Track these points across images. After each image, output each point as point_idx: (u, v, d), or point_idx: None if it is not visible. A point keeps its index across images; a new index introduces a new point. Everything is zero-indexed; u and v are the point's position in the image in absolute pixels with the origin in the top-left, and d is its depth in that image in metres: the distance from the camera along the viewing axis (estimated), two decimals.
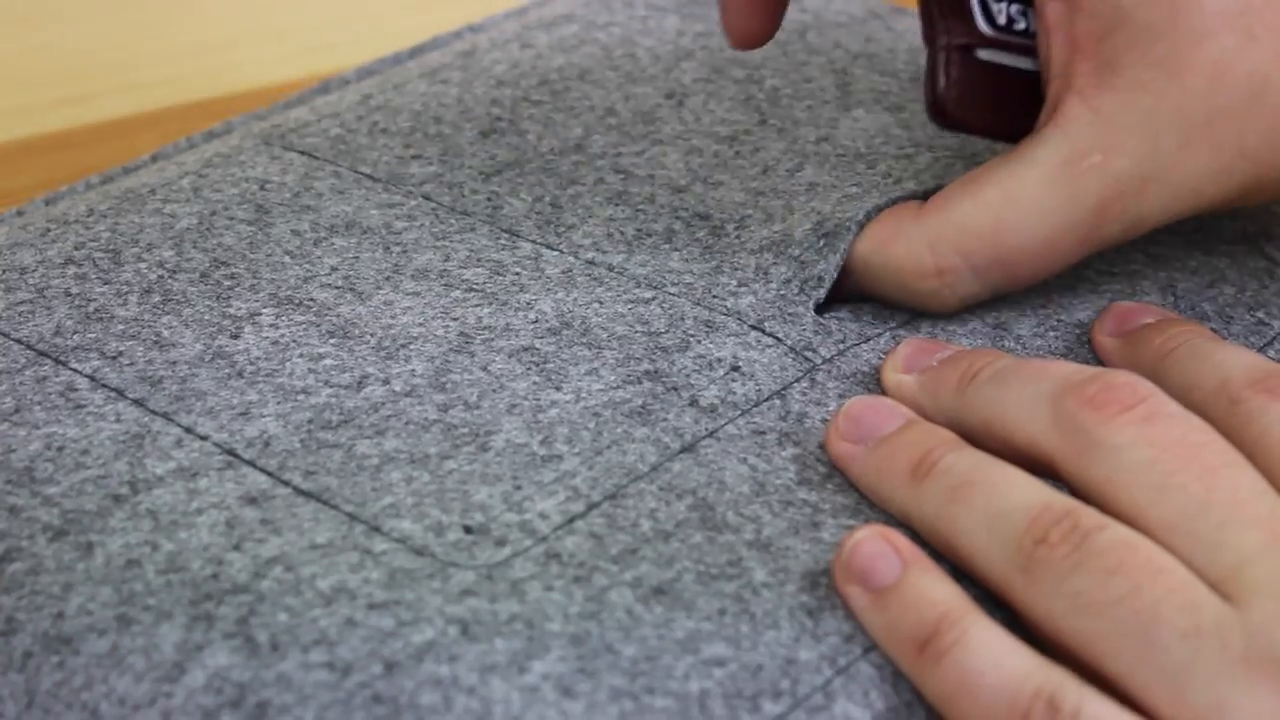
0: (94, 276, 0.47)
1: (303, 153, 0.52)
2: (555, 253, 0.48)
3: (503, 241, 0.48)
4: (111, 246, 0.48)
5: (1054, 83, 0.45)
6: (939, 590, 0.38)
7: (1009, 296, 0.47)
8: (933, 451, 0.40)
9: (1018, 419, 0.40)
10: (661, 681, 0.36)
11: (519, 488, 0.41)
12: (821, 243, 0.47)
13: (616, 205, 0.50)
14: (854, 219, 0.47)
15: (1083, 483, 0.39)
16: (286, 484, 0.41)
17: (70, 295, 0.46)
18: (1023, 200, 0.44)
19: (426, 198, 0.50)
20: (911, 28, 0.61)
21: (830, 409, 0.43)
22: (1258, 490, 0.37)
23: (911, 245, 0.45)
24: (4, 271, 0.47)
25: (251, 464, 0.41)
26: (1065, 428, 0.39)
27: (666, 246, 0.48)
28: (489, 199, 0.50)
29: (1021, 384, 0.41)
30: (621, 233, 0.49)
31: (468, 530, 0.39)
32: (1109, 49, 0.44)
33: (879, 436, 0.41)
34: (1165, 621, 0.35)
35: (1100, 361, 0.46)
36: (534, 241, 0.48)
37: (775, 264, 0.47)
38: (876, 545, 0.38)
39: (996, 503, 0.38)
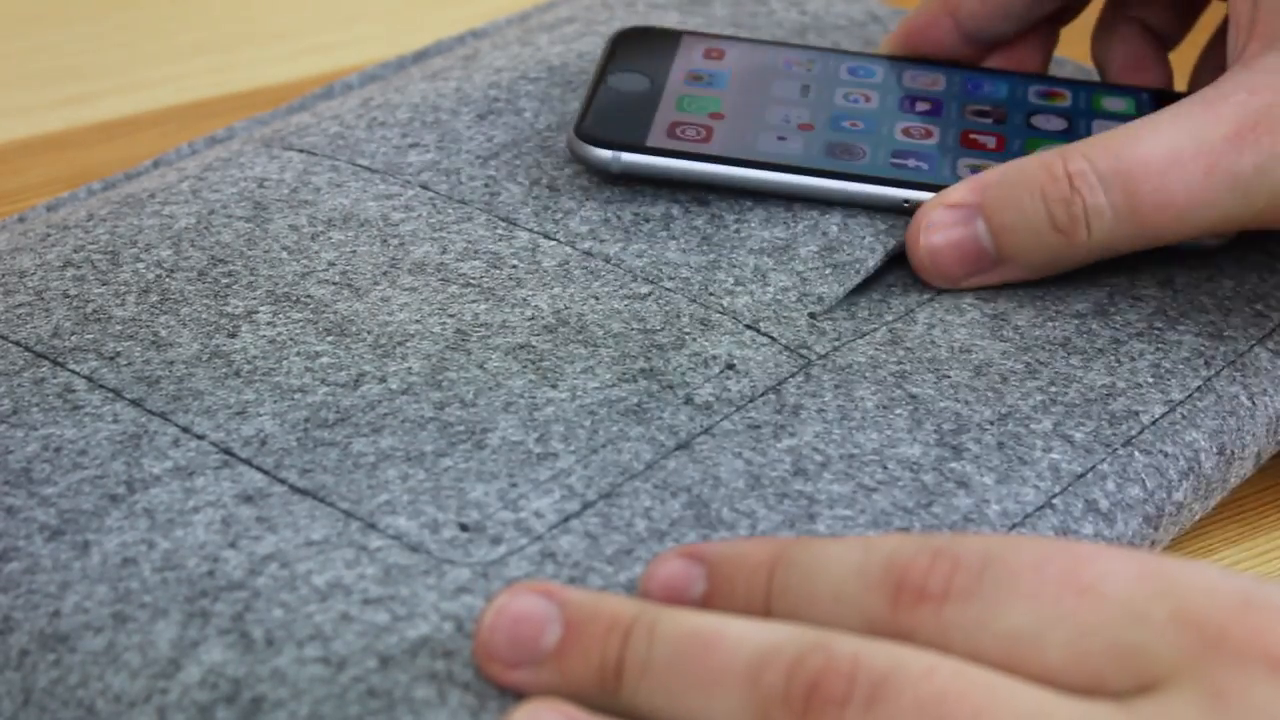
0: (92, 278, 0.47)
1: (301, 150, 0.52)
2: (552, 242, 0.48)
3: (500, 231, 0.48)
4: (110, 248, 0.48)
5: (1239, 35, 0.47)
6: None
7: (1007, 287, 0.48)
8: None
9: None
10: None
11: (515, 485, 0.41)
12: (829, 271, 0.47)
13: (614, 184, 0.50)
14: (864, 263, 0.47)
15: None
16: (283, 482, 0.41)
17: (69, 297, 0.46)
18: (1160, 118, 0.45)
19: (424, 186, 0.50)
20: None
21: (825, 400, 0.43)
22: None
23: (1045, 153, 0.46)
24: (3, 275, 0.47)
25: (248, 462, 0.41)
26: None
27: (664, 234, 0.48)
28: (486, 184, 0.50)
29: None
30: (619, 217, 0.49)
31: (463, 528, 0.39)
32: None
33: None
34: None
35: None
36: (531, 230, 0.48)
37: (774, 270, 0.47)
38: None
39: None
